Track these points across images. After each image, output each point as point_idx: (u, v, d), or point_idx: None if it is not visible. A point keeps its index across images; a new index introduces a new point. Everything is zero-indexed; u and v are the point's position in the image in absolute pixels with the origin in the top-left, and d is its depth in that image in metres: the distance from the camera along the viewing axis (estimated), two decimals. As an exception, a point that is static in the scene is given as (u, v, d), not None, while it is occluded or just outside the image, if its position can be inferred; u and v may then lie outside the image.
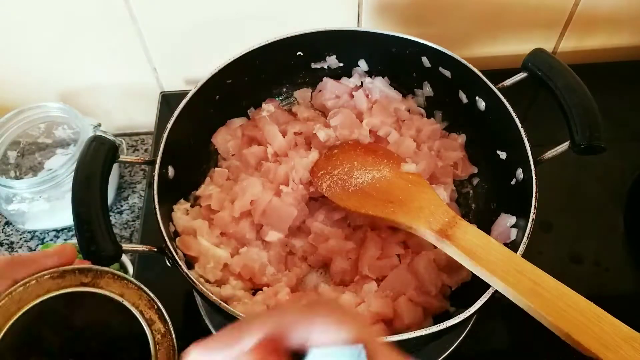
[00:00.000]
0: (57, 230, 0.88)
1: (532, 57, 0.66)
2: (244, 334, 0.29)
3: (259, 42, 0.73)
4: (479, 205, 0.74)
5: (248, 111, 0.80)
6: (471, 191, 0.76)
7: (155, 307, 0.42)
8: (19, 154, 0.88)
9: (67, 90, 0.94)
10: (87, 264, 0.44)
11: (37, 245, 0.87)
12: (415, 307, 0.61)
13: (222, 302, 0.53)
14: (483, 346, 0.70)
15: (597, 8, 0.91)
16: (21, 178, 0.86)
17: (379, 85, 0.79)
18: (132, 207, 0.91)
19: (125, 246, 0.55)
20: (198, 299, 0.73)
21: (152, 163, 0.63)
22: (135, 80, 0.95)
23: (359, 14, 0.87)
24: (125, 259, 0.80)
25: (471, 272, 0.56)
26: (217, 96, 0.74)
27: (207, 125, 0.77)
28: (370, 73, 0.81)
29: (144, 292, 0.43)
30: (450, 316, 0.53)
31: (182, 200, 0.70)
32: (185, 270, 0.56)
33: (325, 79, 0.81)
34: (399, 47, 0.76)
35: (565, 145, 0.61)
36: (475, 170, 0.76)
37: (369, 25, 0.89)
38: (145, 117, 0.98)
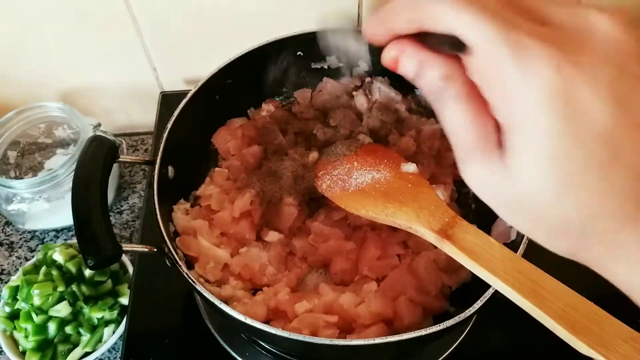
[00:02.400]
0: (57, 230, 0.88)
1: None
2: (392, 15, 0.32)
3: (259, 42, 0.73)
4: (479, 205, 0.74)
5: (248, 111, 0.80)
6: (471, 191, 0.76)
7: None
8: (19, 154, 0.88)
9: (67, 90, 0.94)
10: None
11: (37, 245, 0.87)
12: (415, 307, 0.61)
13: (222, 302, 0.53)
14: (483, 346, 0.70)
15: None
16: (21, 178, 0.86)
17: (379, 85, 0.79)
18: (132, 207, 0.91)
19: (125, 246, 0.55)
20: (198, 299, 0.73)
21: (152, 163, 0.63)
22: (135, 80, 0.95)
23: (359, 14, 0.87)
24: (125, 259, 0.80)
25: (471, 272, 0.56)
26: (217, 96, 0.74)
27: (207, 125, 0.77)
28: (370, 73, 0.81)
29: None
30: (450, 316, 0.53)
31: (182, 200, 0.70)
32: (185, 270, 0.56)
33: (325, 79, 0.81)
34: (399, 47, 0.75)
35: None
36: (476, 170, 0.76)
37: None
38: (145, 117, 0.98)
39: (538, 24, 0.29)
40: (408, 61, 0.32)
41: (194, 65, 0.93)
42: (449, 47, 0.30)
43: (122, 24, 0.84)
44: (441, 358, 0.68)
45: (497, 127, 0.30)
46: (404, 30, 0.32)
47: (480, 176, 0.32)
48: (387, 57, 0.33)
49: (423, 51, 0.32)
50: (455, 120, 0.31)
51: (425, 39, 0.32)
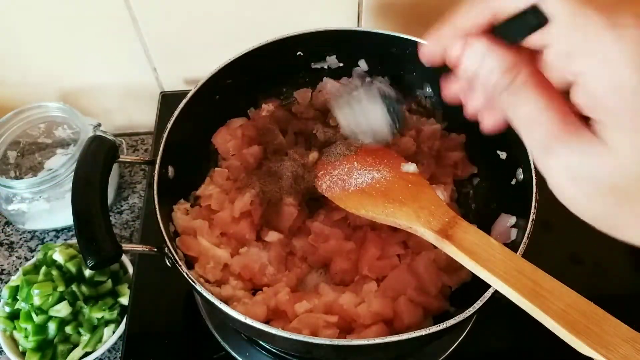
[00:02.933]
0: (57, 230, 0.88)
1: (532, 57, 0.66)
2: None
3: (259, 42, 0.73)
4: (479, 205, 0.74)
5: (248, 111, 0.80)
6: (471, 191, 0.76)
7: None
8: (19, 154, 0.88)
9: (67, 90, 0.94)
10: None
11: (37, 245, 0.87)
12: (415, 307, 0.61)
13: (222, 302, 0.53)
14: (483, 346, 0.70)
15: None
16: (21, 178, 0.86)
17: (379, 86, 0.79)
18: (132, 207, 0.91)
19: (125, 246, 0.55)
20: (198, 299, 0.73)
21: (152, 163, 0.63)
22: (135, 80, 0.95)
23: (359, 14, 0.87)
24: (125, 259, 0.80)
25: (471, 272, 0.56)
26: (217, 96, 0.74)
27: (207, 125, 0.77)
28: (370, 73, 0.81)
29: None
30: (450, 316, 0.53)
31: (182, 200, 0.70)
32: (185, 270, 0.56)
33: (325, 79, 0.81)
34: (399, 47, 0.76)
35: (565, 145, 0.60)
36: (475, 170, 0.76)
37: (369, 25, 0.89)
38: (145, 117, 0.98)
39: None
40: (473, 52, 0.33)
41: (194, 65, 0.93)
42: (526, 27, 0.30)
43: (122, 24, 0.84)
44: (441, 358, 0.68)
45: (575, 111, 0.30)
46: (477, 23, 0.32)
47: (571, 163, 0.30)
48: (453, 55, 0.34)
49: (488, 41, 0.32)
50: (531, 108, 0.31)
51: (494, 33, 0.32)
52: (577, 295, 0.50)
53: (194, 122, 0.70)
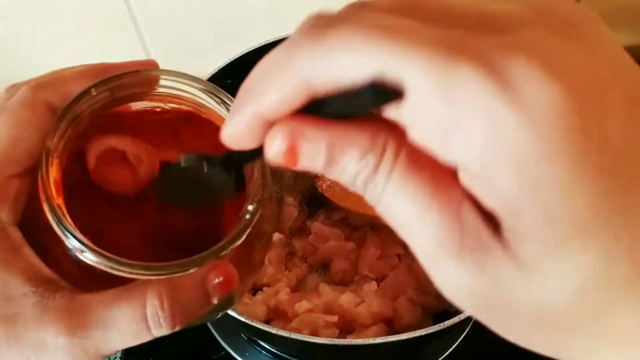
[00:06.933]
0: (57, 230, 0.88)
1: (532, 57, 0.66)
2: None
3: (259, 42, 0.73)
4: (479, 205, 0.74)
5: (248, 111, 0.80)
6: (471, 191, 0.76)
7: None
8: (19, 154, 0.88)
9: (67, 90, 0.94)
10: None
11: (37, 245, 0.87)
12: (415, 307, 0.61)
13: (222, 302, 0.53)
14: (483, 346, 0.70)
15: (597, 8, 0.91)
16: (21, 178, 0.86)
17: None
18: (132, 207, 0.91)
19: (125, 246, 0.55)
20: (198, 299, 0.73)
21: (152, 163, 0.63)
22: (135, 80, 0.95)
23: (359, 14, 0.87)
24: (125, 259, 0.80)
25: (471, 272, 0.56)
26: (217, 96, 0.74)
27: (207, 125, 0.77)
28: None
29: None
30: (450, 316, 0.53)
31: (182, 200, 0.70)
32: (185, 270, 0.56)
33: (325, 79, 0.81)
34: (399, 47, 0.75)
35: (565, 145, 0.60)
36: (475, 170, 0.76)
37: (369, 25, 0.89)
38: (145, 117, 0.98)
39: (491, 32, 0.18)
40: (312, 148, 0.20)
41: (194, 65, 0.93)
42: (365, 105, 0.19)
43: (121, 23, 0.84)
44: (441, 358, 0.68)
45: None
46: (288, 104, 0.20)
47: (473, 286, 0.21)
48: (275, 151, 0.21)
49: (328, 126, 0.20)
50: (408, 205, 0.19)
51: (320, 110, 0.20)
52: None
53: (194, 122, 0.70)
